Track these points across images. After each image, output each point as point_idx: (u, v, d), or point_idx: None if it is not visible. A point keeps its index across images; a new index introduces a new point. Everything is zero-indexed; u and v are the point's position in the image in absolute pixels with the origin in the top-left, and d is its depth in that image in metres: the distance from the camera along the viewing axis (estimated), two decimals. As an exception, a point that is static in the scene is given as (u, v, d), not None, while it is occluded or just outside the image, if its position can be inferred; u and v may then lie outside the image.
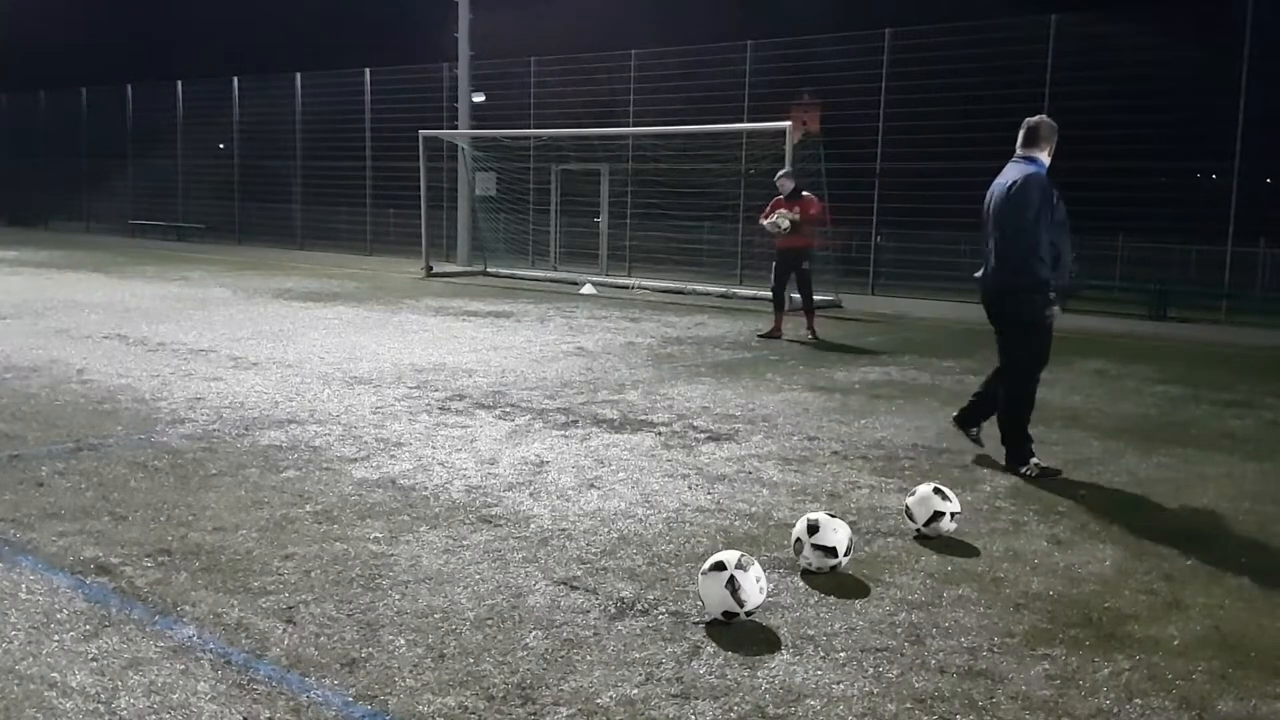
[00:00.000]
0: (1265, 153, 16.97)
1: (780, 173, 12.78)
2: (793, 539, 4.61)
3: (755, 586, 3.94)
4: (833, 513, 4.82)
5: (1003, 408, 6.45)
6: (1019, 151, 6.31)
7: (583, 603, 4.15)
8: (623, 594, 4.25)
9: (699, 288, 17.97)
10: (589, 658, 3.67)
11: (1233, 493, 6.05)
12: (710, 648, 3.78)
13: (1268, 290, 17.96)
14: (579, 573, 4.47)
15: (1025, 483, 6.12)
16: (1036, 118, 6.36)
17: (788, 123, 16.20)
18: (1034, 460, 6.30)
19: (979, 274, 6.52)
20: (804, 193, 12.39)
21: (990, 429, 6.58)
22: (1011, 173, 6.23)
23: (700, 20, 28.24)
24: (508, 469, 6.10)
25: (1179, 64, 16.69)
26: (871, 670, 3.64)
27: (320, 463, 6.12)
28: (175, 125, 31.38)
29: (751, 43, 20.64)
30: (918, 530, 5.05)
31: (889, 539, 5.05)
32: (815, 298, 12.71)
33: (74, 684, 3.37)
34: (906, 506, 5.13)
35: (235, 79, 29.49)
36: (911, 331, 13.80)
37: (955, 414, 6.87)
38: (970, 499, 5.64)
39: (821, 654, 3.76)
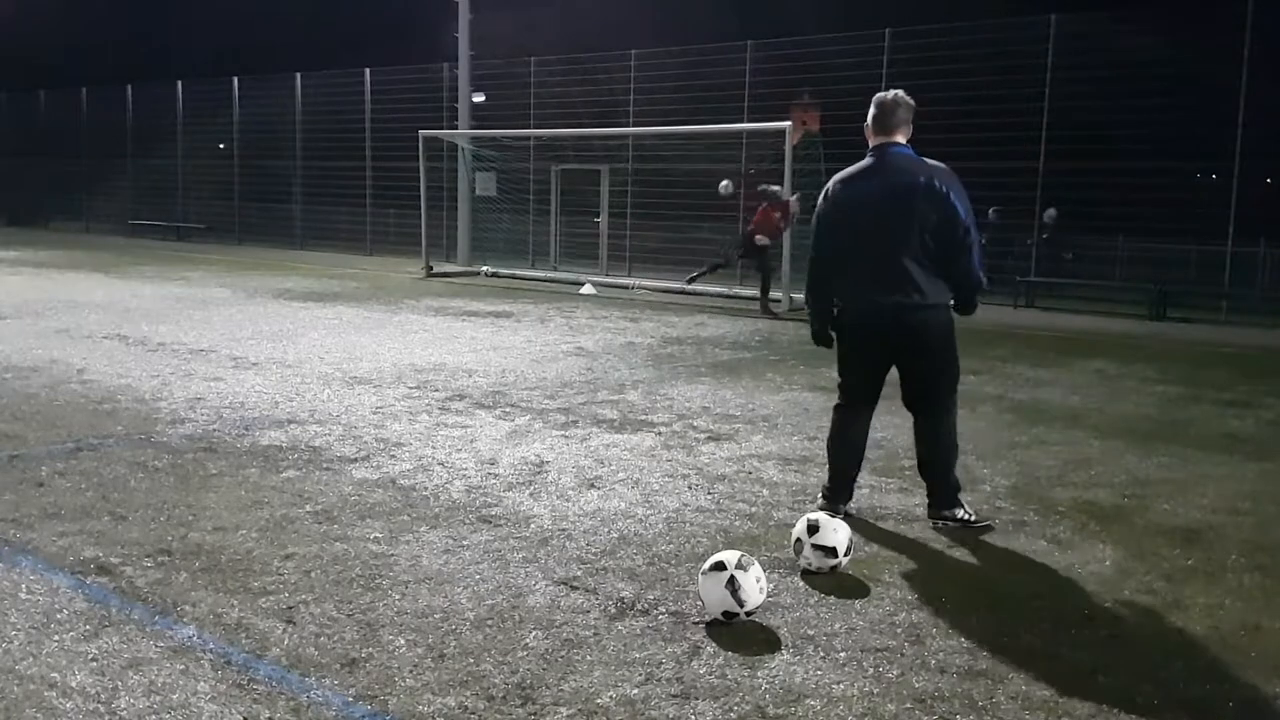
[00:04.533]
0: (1265, 153, 16.93)
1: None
2: (793, 539, 4.61)
3: (755, 586, 3.94)
4: (832, 513, 4.82)
5: (948, 442, 5.25)
6: (895, 138, 5.25)
7: (583, 603, 4.15)
8: (623, 594, 4.25)
9: (699, 288, 17.96)
10: (589, 658, 3.67)
11: (1233, 493, 6.05)
12: (710, 648, 3.78)
13: (1267, 290, 17.92)
14: (579, 573, 4.47)
15: (1025, 484, 6.11)
16: (892, 94, 5.39)
17: (788, 123, 16.21)
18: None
19: (861, 299, 5.14)
20: None
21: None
22: (915, 166, 5.11)
23: (700, 20, 28.19)
24: (508, 469, 6.10)
25: (1179, 64, 16.66)
26: (871, 670, 3.64)
27: (320, 463, 6.12)
28: (175, 125, 31.35)
29: (751, 43, 20.62)
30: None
31: (889, 539, 5.05)
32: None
33: (74, 684, 3.37)
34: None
35: (235, 79, 29.46)
36: (911, 331, 13.77)
37: (929, 513, 5.30)
38: (970, 499, 5.64)
39: (821, 654, 3.76)
